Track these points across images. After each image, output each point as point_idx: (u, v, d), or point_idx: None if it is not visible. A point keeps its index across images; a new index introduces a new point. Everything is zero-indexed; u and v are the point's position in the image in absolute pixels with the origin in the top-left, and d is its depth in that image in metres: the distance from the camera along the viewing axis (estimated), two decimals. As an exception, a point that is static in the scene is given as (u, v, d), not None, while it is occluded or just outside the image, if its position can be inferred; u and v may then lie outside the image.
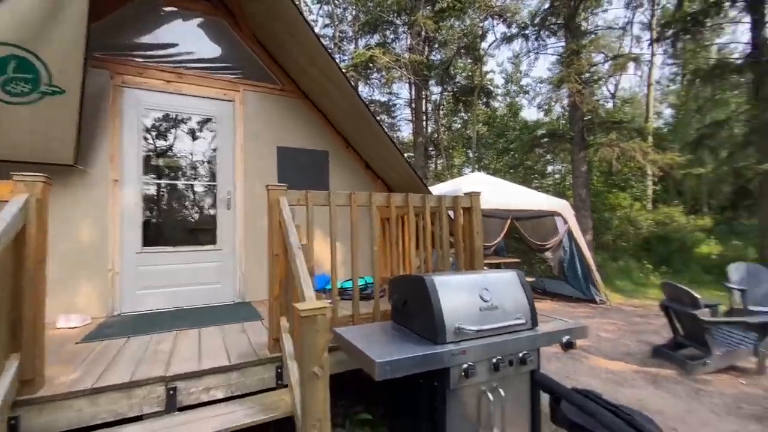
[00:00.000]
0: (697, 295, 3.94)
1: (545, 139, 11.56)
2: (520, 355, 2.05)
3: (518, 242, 9.37)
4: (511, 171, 14.24)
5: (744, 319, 4.02)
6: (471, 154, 16.18)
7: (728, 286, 5.80)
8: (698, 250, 11.51)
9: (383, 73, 16.16)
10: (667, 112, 19.44)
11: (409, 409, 2.15)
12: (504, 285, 2.22)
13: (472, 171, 15.26)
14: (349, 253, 2.69)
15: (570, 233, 7.39)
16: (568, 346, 2.16)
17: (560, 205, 7.52)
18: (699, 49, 13.67)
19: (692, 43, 12.34)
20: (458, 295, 2.05)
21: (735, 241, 12.13)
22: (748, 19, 9.98)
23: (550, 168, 16.51)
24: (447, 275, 2.18)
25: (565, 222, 7.41)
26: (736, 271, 6.06)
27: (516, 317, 2.10)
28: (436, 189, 7.88)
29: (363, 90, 21.73)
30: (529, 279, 7.91)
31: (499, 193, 7.09)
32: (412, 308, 2.17)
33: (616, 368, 4.11)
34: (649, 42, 13.79)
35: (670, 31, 10.89)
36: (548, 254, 7.22)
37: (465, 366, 1.87)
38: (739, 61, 10.26)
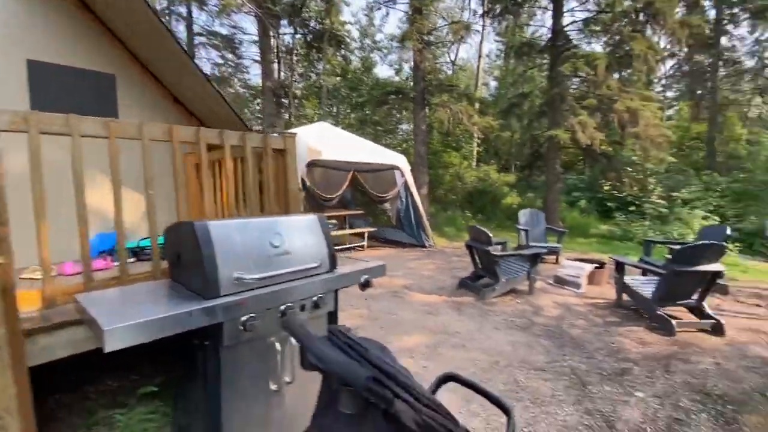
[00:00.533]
0: (491, 234, 4.65)
1: (393, 97, 11.99)
2: (314, 299, 1.93)
3: (363, 195, 9.70)
4: (363, 127, 14.48)
5: (520, 252, 4.97)
6: (324, 106, 15.75)
7: (518, 228, 7.20)
8: (504, 201, 14.14)
9: (221, -2, 13.82)
10: (493, 84, 22.56)
11: (187, 374, 1.83)
12: (300, 229, 2.02)
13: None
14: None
15: (406, 186, 7.93)
16: (365, 285, 2.14)
17: (398, 160, 7.93)
18: (518, 28, 15.89)
19: (513, 22, 14.26)
20: (241, 242, 1.75)
21: (530, 194, 15.33)
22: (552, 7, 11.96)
23: (403, 127, 17.47)
24: (227, 221, 1.85)
25: (403, 175, 7.89)
26: (523, 216, 7.54)
27: (311, 261, 1.94)
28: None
29: (200, 17, 18.34)
30: (372, 229, 8.32)
31: (343, 146, 6.99)
32: (185, 260, 1.78)
33: (430, 300, 4.62)
34: (480, 15, 15.39)
35: (498, 8, 12.25)
36: (387, 205, 7.65)
37: (244, 318, 1.63)
38: (542, 44, 12.35)
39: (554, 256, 6.86)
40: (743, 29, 18.27)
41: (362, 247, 7.87)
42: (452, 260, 7.05)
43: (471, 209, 12.96)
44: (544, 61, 13.18)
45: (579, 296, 4.90)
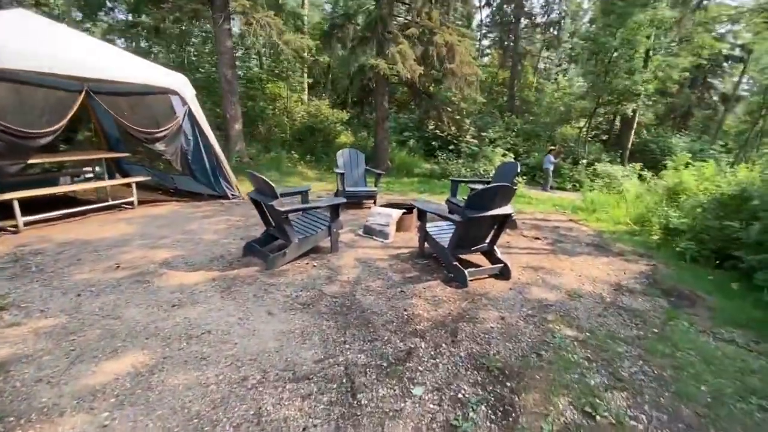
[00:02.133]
0: (273, 184, 3.51)
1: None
2: None
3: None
4: (137, 37, 10.73)
5: (314, 205, 4.03)
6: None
7: (336, 171, 6.31)
8: (338, 141, 13.28)
9: None
10: (329, 7, 20.37)
11: None
12: None
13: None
14: None
15: (192, 118, 5.98)
16: None
17: (178, 82, 5.83)
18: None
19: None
20: None
21: (363, 133, 14.86)
22: None
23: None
24: None
25: (185, 103, 5.88)
26: (340, 157, 6.64)
27: None
28: None
29: None
30: (142, 178, 6.17)
31: (61, 47, 4.47)
32: None
33: (192, 281, 3.30)
34: None
35: None
36: (160, 146, 5.63)
37: None
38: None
39: (372, 201, 6.30)
40: (538, -16, 20.76)
41: (131, 204, 5.77)
42: (253, 214, 5.73)
43: (300, 150, 11.63)
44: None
45: (385, 247, 4.36)
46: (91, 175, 6.94)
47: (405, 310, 2.93)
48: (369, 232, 4.69)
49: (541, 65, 24.87)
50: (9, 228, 4.44)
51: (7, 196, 4.34)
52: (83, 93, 4.63)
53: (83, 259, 3.72)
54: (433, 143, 14.21)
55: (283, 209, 3.46)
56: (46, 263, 3.58)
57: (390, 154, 11.92)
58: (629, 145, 14.63)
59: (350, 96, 14.03)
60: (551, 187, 11.37)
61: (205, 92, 11.09)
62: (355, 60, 10.65)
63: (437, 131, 14.00)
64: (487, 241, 3.74)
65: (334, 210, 3.97)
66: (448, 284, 3.41)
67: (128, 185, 5.83)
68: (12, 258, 3.66)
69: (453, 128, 12.49)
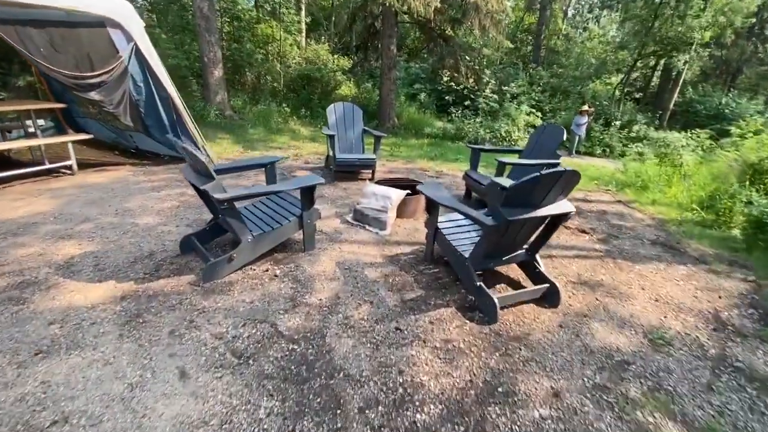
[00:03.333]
0: (206, 160, 2.31)
1: None
2: None
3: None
4: None
5: (270, 189, 2.83)
6: None
7: (324, 132, 5.01)
8: (338, 92, 11.70)
9: None
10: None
11: None
12: None
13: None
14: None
15: (141, 58, 4.64)
16: None
17: (119, 10, 4.43)
18: None
19: None
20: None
21: (368, 84, 13.17)
22: None
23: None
24: None
25: (130, 39, 4.52)
26: (331, 114, 5.22)
27: None
28: None
29: None
30: (81, 137, 4.92)
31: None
32: None
33: (88, 300, 2.23)
34: None
35: None
36: (96, 95, 4.36)
37: None
38: None
39: (369, 171, 5.07)
40: None
41: (69, 169, 4.62)
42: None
43: (293, 103, 10.17)
44: None
45: (380, 242, 3.21)
46: (32, 130, 5.73)
47: (400, 373, 1.84)
48: (360, 219, 3.53)
49: (570, 12, 22.06)
50: None
51: None
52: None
53: (-45, 256, 2.66)
54: (447, 98, 12.58)
55: (222, 196, 2.29)
56: None
57: (397, 110, 10.41)
58: (671, 105, 12.81)
59: (353, 39, 12.21)
60: (577, 152, 9.94)
61: (181, 31, 9.49)
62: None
63: (452, 83, 12.33)
64: (526, 246, 2.57)
65: (307, 194, 2.78)
66: (467, 315, 2.30)
67: (63, 147, 4.64)
68: None
69: (471, 80, 10.82)
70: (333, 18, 14.58)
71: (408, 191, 3.59)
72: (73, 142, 4.66)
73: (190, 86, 8.51)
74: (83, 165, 4.91)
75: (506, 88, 12.65)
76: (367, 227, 3.45)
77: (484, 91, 12.03)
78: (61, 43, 4.02)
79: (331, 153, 4.89)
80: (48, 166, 4.58)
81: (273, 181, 3.13)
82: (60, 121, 5.99)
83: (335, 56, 11.79)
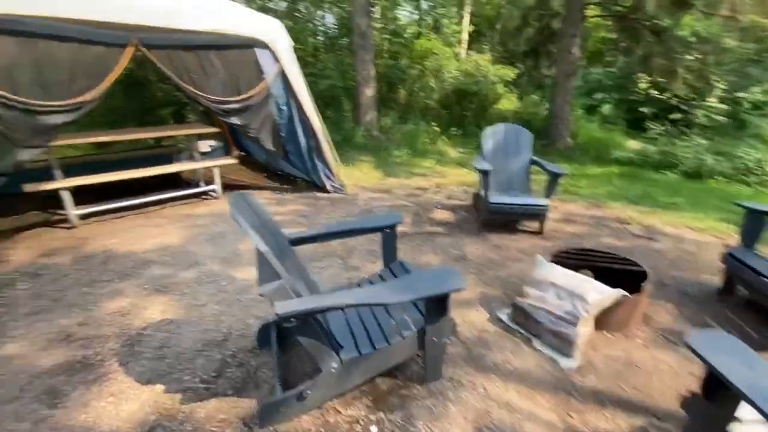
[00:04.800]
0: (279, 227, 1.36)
1: None
2: None
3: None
4: None
5: (374, 296, 1.71)
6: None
7: (476, 166, 3.72)
8: (497, 107, 10.19)
9: None
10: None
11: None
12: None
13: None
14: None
15: (286, 80, 4.32)
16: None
17: (268, 29, 4.19)
18: None
19: None
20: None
21: (534, 96, 11.23)
22: None
23: None
24: None
25: (277, 60, 4.23)
26: (489, 138, 3.98)
27: None
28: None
29: None
30: (226, 161, 4.85)
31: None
32: None
33: (120, 418, 1.56)
34: None
35: None
36: (237, 119, 4.15)
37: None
38: None
39: (537, 221, 3.56)
40: None
41: (214, 192, 4.62)
42: (351, 222, 3.83)
43: (443, 120, 9.19)
44: None
45: (561, 388, 1.77)
46: (208, 149, 6.23)
47: None
48: (524, 324, 2.14)
49: None
50: (61, 221, 3.70)
51: (54, 185, 3.53)
52: (131, 47, 3.37)
53: (66, 297, 2.49)
54: (643, 109, 9.66)
55: (288, 310, 1.31)
56: (17, 298, 2.45)
57: (572, 127, 8.31)
58: None
59: (520, 44, 10.52)
60: None
61: (338, 49, 9.63)
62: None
63: (652, 91, 9.39)
64: None
65: (437, 304, 1.59)
66: None
67: (234, 168, 4.67)
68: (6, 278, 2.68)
69: (691, 82, 7.85)
70: (498, 25, 13.13)
71: (622, 291, 2.01)
72: (221, 166, 4.66)
73: (342, 106, 8.45)
74: (232, 186, 4.91)
75: (743, 94, 8.97)
76: (536, 343, 2.04)
77: (705, 100, 8.74)
78: (209, 67, 3.94)
79: (482, 193, 3.60)
80: (197, 189, 4.67)
81: (391, 255, 2.06)
82: (228, 142, 6.44)
83: (497, 66, 10.35)
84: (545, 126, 8.33)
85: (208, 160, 4.84)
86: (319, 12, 10.86)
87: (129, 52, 3.36)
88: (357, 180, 5.41)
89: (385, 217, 2.15)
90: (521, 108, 10.34)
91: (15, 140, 2.92)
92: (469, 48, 11.99)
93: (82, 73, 3.16)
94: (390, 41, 9.96)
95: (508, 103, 10.64)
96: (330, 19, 11.17)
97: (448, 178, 5.81)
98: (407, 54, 9.79)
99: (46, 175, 3.59)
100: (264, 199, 4.58)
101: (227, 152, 6.65)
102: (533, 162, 3.90)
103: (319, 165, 4.69)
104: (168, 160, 5.85)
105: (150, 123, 6.94)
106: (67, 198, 3.56)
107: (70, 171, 3.76)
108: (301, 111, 4.45)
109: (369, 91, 7.64)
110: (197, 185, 4.72)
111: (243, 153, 6.63)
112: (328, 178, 4.78)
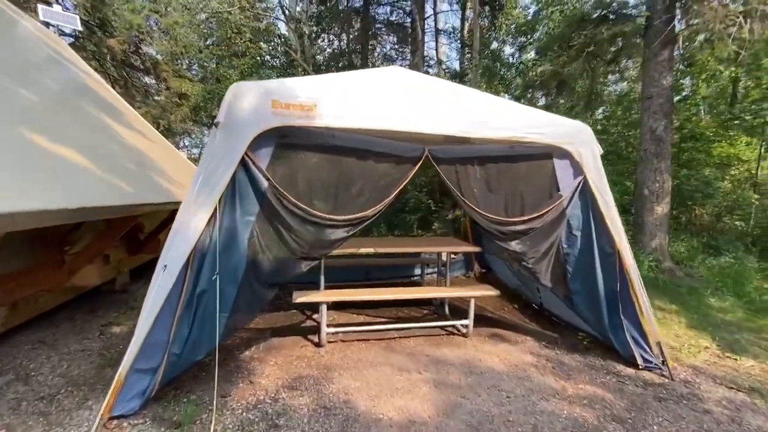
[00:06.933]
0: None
1: (600, 30, 6.37)
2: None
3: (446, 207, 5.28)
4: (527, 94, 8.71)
5: None
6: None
7: None
8: None
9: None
10: None
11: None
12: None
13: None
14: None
15: (585, 196, 3.16)
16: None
17: (574, 133, 3.22)
18: None
19: None
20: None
21: None
22: None
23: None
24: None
25: (580, 172, 3.16)
26: None
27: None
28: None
29: None
30: (492, 293, 3.79)
31: (411, 104, 2.97)
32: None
33: None
34: None
35: None
36: (516, 245, 3.08)
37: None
38: None
39: None
40: None
41: (462, 328, 3.63)
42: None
43: (763, 247, 5.93)
44: None
45: None
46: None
47: None
48: None
49: None
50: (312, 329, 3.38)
51: (317, 297, 3.27)
52: (422, 156, 2.95)
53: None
54: None
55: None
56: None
57: None
58: None
59: None
60: None
61: (606, 161, 8.01)
62: None
63: None
64: None
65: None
66: None
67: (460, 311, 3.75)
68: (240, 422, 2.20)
69: None
70: None
71: None
72: (478, 297, 3.70)
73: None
74: (481, 319, 3.85)
75: None
76: None
77: None
78: (496, 182, 3.18)
79: None
80: (445, 322, 3.80)
81: None
82: (470, 255, 5.68)
83: None
84: None
85: (466, 290, 3.99)
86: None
87: (420, 160, 2.95)
88: (668, 345, 3.43)
89: None
90: None
91: (299, 253, 2.71)
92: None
93: (371, 187, 2.87)
94: (680, 146, 7.74)
95: None
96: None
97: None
98: (706, 160, 7.29)
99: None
100: (530, 356, 3.24)
101: (468, 266, 5.87)
102: None
103: (626, 322, 3.06)
104: (411, 269, 5.51)
105: (397, 226, 7.06)
106: (324, 313, 3.23)
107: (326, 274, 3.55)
108: (606, 239, 3.10)
109: (660, 208, 5.66)
110: (441, 305, 3.89)
111: (484, 270, 5.72)
112: (638, 344, 3.05)
